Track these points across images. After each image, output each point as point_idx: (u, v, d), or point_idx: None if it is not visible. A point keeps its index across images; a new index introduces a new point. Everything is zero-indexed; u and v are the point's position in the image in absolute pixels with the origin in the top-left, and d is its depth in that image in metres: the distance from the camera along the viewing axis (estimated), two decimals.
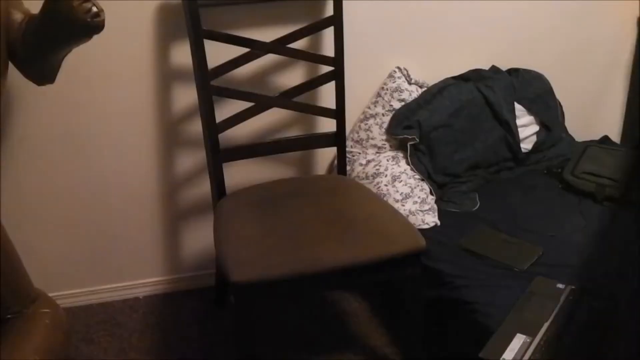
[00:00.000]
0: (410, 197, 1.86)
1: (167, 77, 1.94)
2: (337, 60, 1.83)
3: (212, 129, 1.80)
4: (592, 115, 2.41)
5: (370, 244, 1.50)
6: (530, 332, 1.34)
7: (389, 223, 1.58)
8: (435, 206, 1.89)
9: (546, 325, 1.36)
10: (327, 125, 2.01)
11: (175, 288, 2.18)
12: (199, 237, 2.13)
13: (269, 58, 1.91)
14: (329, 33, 1.88)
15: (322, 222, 1.60)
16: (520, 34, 2.19)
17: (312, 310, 2.04)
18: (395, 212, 1.63)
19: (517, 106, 2.07)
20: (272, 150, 1.89)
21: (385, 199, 1.88)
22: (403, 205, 1.85)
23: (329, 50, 1.90)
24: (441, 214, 1.86)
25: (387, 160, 1.96)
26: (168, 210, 2.09)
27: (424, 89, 2.04)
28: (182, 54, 1.91)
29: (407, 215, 1.83)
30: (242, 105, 1.84)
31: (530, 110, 2.10)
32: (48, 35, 1.40)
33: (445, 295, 1.58)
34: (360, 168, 1.99)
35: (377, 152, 2.02)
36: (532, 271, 1.57)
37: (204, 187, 1.97)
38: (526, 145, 2.09)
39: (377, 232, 1.55)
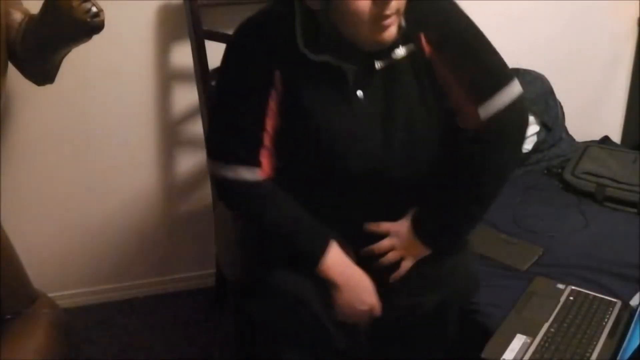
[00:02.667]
0: None
1: (167, 77, 1.94)
2: None
3: None
4: (592, 116, 2.41)
5: None
6: (530, 332, 1.34)
7: None
8: None
9: (546, 325, 1.36)
10: None
11: (175, 288, 2.18)
12: (199, 237, 2.12)
13: None
14: None
15: None
16: (521, 34, 2.19)
17: None
18: None
19: None
20: None
21: None
22: None
23: None
24: None
25: None
26: (168, 210, 2.09)
27: None
28: (182, 54, 1.91)
29: None
30: None
31: (530, 110, 2.09)
32: (48, 35, 1.40)
33: None
34: None
35: None
36: (532, 271, 1.57)
37: (204, 187, 1.96)
38: (526, 145, 2.08)
39: None
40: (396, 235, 1.31)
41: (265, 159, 1.25)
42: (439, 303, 1.30)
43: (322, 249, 1.26)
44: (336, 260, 1.27)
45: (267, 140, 1.24)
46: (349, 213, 1.31)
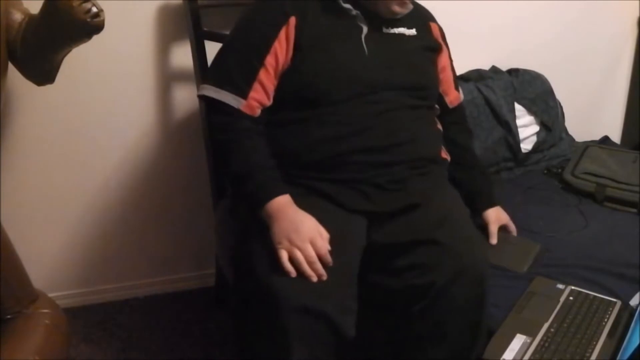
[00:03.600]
0: None
1: (167, 78, 1.94)
2: None
3: None
4: (592, 116, 2.41)
5: None
6: (530, 332, 1.34)
7: None
8: None
9: (546, 325, 1.36)
10: None
11: (175, 288, 2.18)
12: (199, 237, 2.13)
13: None
14: None
15: None
16: (521, 34, 2.19)
17: None
18: None
19: (517, 106, 2.07)
20: None
21: None
22: None
23: None
24: None
25: None
26: (168, 210, 2.10)
27: None
28: (182, 54, 1.91)
29: None
30: None
31: (530, 110, 2.10)
32: (48, 35, 1.40)
33: None
34: None
35: None
36: (532, 271, 1.57)
37: (204, 187, 1.96)
38: (526, 145, 2.08)
39: None
40: (495, 221, 1.62)
41: (255, 93, 1.38)
42: (451, 279, 1.29)
43: (274, 192, 1.32)
44: (282, 202, 1.32)
45: (263, 76, 1.38)
46: (339, 142, 1.40)
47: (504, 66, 2.15)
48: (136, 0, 1.82)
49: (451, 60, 1.67)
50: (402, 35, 1.51)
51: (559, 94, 2.17)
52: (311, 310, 1.21)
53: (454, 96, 1.67)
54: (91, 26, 1.33)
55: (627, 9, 2.29)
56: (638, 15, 2.32)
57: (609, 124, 2.44)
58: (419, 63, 1.54)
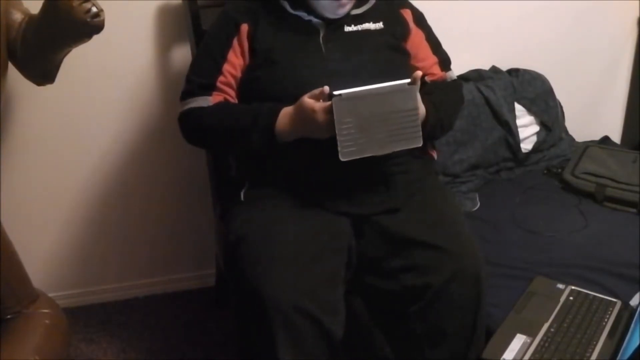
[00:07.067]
0: None
1: (167, 78, 1.94)
2: None
3: None
4: (592, 116, 2.41)
5: None
6: (530, 332, 1.34)
7: None
8: None
9: (546, 325, 1.37)
10: None
11: (175, 288, 2.18)
12: (199, 237, 2.13)
13: None
14: None
15: None
16: (521, 34, 2.19)
17: None
18: None
19: (517, 106, 2.07)
20: None
21: None
22: None
23: None
24: None
25: None
26: (168, 210, 2.10)
27: None
28: (182, 54, 1.91)
29: None
30: None
31: (530, 110, 2.10)
32: (48, 35, 1.40)
33: None
34: None
35: None
36: (532, 270, 1.57)
37: (205, 187, 1.96)
38: (526, 145, 2.08)
39: None
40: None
41: (218, 96, 1.45)
42: (449, 280, 1.30)
43: (272, 118, 1.36)
44: (282, 120, 1.36)
45: (221, 84, 1.45)
46: (309, 145, 1.38)
47: (504, 66, 2.15)
48: (136, 0, 1.82)
49: (431, 42, 1.58)
50: (366, 31, 1.48)
51: (559, 94, 2.17)
52: (298, 310, 1.23)
53: (438, 76, 1.58)
54: (91, 26, 1.33)
55: (627, 9, 2.29)
56: (638, 15, 2.32)
57: (609, 124, 2.44)
58: (383, 59, 1.48)
